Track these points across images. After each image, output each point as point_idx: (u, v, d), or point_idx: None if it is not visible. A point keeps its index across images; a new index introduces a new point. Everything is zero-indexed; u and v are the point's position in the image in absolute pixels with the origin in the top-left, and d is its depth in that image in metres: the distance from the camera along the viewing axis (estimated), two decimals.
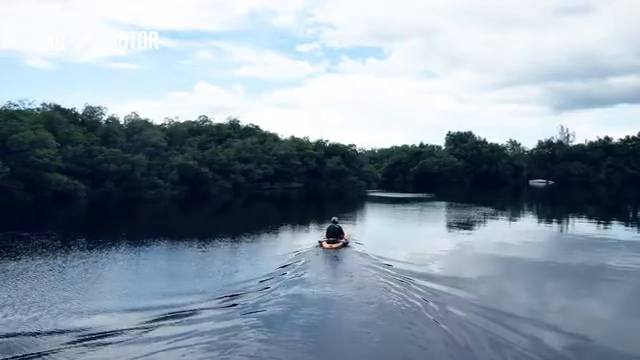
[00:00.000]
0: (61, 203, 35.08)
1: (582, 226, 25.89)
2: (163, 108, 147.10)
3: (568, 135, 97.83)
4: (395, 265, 12.71)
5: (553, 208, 41.87)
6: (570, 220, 30.43)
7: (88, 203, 37.49)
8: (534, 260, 15.05)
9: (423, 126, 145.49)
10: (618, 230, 24.24)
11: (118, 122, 55.56)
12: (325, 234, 15.58)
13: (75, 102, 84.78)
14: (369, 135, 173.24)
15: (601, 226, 26.07)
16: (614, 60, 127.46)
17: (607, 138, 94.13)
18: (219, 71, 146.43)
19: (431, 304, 9.07)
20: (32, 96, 59.12)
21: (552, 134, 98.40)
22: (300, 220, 28.41)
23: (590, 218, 31.04)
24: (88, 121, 50.04)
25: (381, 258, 13.54)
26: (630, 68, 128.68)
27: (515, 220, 30.43)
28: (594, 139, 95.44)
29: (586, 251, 16.74)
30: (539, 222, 29.78)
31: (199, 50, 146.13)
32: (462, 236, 21.06)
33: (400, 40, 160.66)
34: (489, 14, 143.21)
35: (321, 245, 15.02)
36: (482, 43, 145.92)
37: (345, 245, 15.24)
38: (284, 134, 70.86)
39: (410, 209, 36.30)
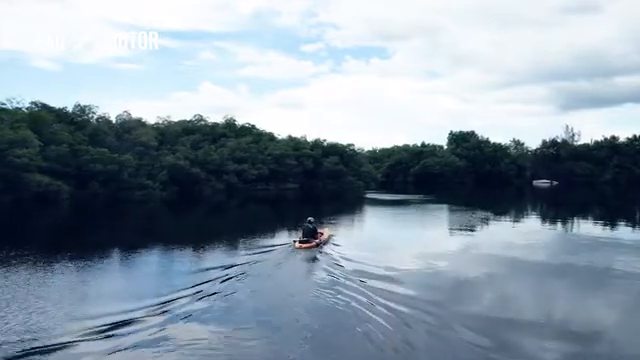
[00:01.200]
0: (41, 204, 33.69)
1: (588, 228, 24.68)
2: (166, 108, 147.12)
3: (573, 134, 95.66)
4: (359, 267, 12.26)
5: (559, 209, 40.12)
6: (576, 222, 28.80)
7: (70, 205, 36.18)
8: (538, 264, 14.02)
9: (426, 126, 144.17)
10: (625, 232, 22.62)
11: (110, 121, 54.35)
12: (301, 234, 15.66)
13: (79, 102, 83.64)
14: (372, 135, 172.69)
15: (607, 228, 24.72)
16: (620, 59, 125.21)
17: (613, 137, 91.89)
18: (223, 71, 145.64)
19: (380, 309, 8.61)
20: (37, 96, 57.43)
21: (557, 134, 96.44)
22: (287, 221, 27.05)
23: (596, 219, 29.57)
24: (77, 120, 48.77)
25: (348, 260, 13.20)
26: (636, 67, 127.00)
27: (518, 221, 28.84)
28: (600, 138, 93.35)
29: (591, 255, 15.44)
30: (543, 224, 28.16)
31: (202, 50, 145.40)
32: (450, 240, 19.42)
33: (404, 40, 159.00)
34: (493, 13, 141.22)
35: (294, 244, 15.13)
36: (486, 43, 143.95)
37: (318, 245, 15.18)
38: (288, 134, 69.15)
39: (402, 212, 34.76)
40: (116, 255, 15.43)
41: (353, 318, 8.12)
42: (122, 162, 43.05)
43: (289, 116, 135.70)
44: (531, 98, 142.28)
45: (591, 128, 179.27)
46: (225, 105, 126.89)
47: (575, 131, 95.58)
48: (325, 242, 15.88)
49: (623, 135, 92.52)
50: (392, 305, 8.77)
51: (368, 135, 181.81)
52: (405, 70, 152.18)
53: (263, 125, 68.41)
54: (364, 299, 9.17)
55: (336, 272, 11.71)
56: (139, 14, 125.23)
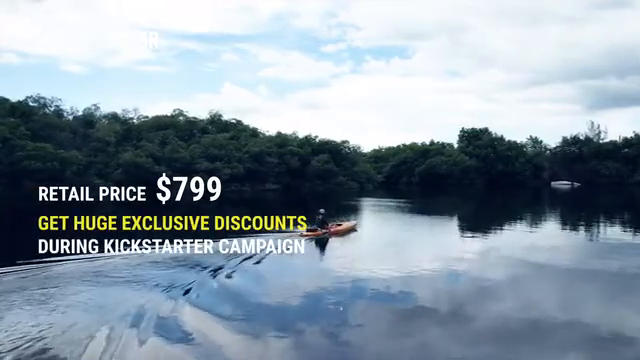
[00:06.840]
0: None
1: (616, 233, 19.88)
2: (189, 110, 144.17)
3: (599, 132, 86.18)
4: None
5: (583, 214, 32.79)
6: (602, 228, 22.06)
7: None
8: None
9: (449, 126, 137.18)
10: None
11: (78, 116, 49.71)
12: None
13: (104, 105, 77.11)
14: (392, 136, 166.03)
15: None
16: None
17: None
18: (244, 73, 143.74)
19: None
20: (66, 100, 54.88)
21: (580, 131, 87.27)
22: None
23: (625, 225, 23.84)
24: (35, 114, 44.06)
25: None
26: None
27: (534, 230, 21.96)
28: (630, 135, 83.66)
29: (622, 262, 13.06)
30: (568, 233, 21.39)
31: (224, 52, 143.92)
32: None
33: (425, 39, 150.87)
34: (519, 10, 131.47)
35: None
36: (511, 41, 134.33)
37: (323, 234, 16.06)
38: (277, 131, 63.48)
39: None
40: None
41: None
42: (65, 159, 37.86)
43: (310, 117, 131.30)
44: (558, 97, 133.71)
45: (620, 128, 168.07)
46: (246, 106, 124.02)
47: (601, 128, 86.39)
48: (339, 234, 17.00)
49: None
50: None
51: (388, 136, 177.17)
52: (427, 70, 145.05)
53: (285, 126, 63.16)
54: None
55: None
56: (163, 18, 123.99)
